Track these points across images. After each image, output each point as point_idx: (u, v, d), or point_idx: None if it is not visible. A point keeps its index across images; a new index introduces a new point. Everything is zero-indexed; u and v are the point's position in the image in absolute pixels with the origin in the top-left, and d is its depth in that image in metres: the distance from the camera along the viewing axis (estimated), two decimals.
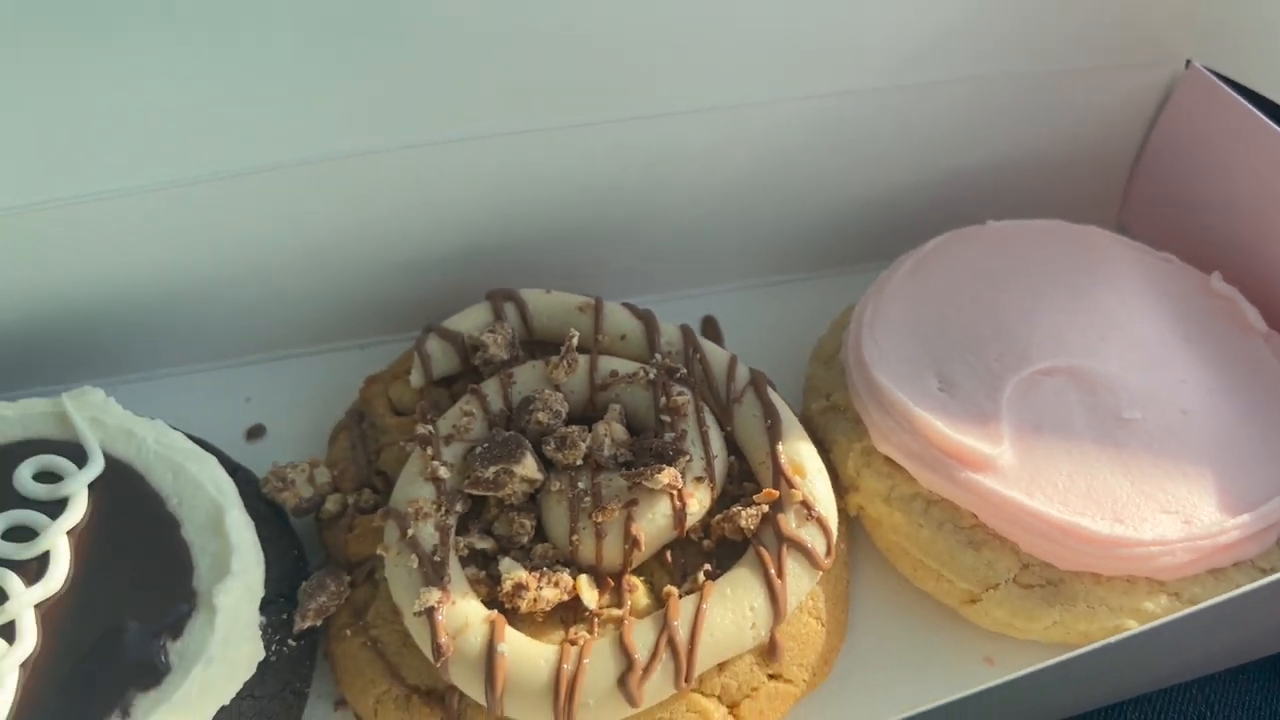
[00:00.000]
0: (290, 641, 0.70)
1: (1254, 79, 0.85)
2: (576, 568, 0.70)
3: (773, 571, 0.67)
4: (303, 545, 0.76)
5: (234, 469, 0.75)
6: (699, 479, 0.71)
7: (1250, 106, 0.83)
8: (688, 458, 0.71)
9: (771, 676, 0.69)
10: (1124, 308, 0.79)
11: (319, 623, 0.71)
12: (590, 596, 0.68)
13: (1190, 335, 0.79)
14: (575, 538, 0.69)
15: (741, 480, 0.74)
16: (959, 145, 0.90)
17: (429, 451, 0.71)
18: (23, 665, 0.62)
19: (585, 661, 0.64)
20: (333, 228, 0.82)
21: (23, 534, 0.67)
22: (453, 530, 0.69)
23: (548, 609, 0.68)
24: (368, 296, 0.86)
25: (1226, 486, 0.71)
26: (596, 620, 0.67)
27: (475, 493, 0.71)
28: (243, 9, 0.70)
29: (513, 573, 0.68)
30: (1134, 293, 0.81)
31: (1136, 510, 0.68)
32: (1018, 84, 0.88)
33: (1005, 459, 0.71)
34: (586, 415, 0.76)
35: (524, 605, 0.67)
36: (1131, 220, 0.97)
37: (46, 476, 0.69)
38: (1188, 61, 0.88)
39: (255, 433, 0.84)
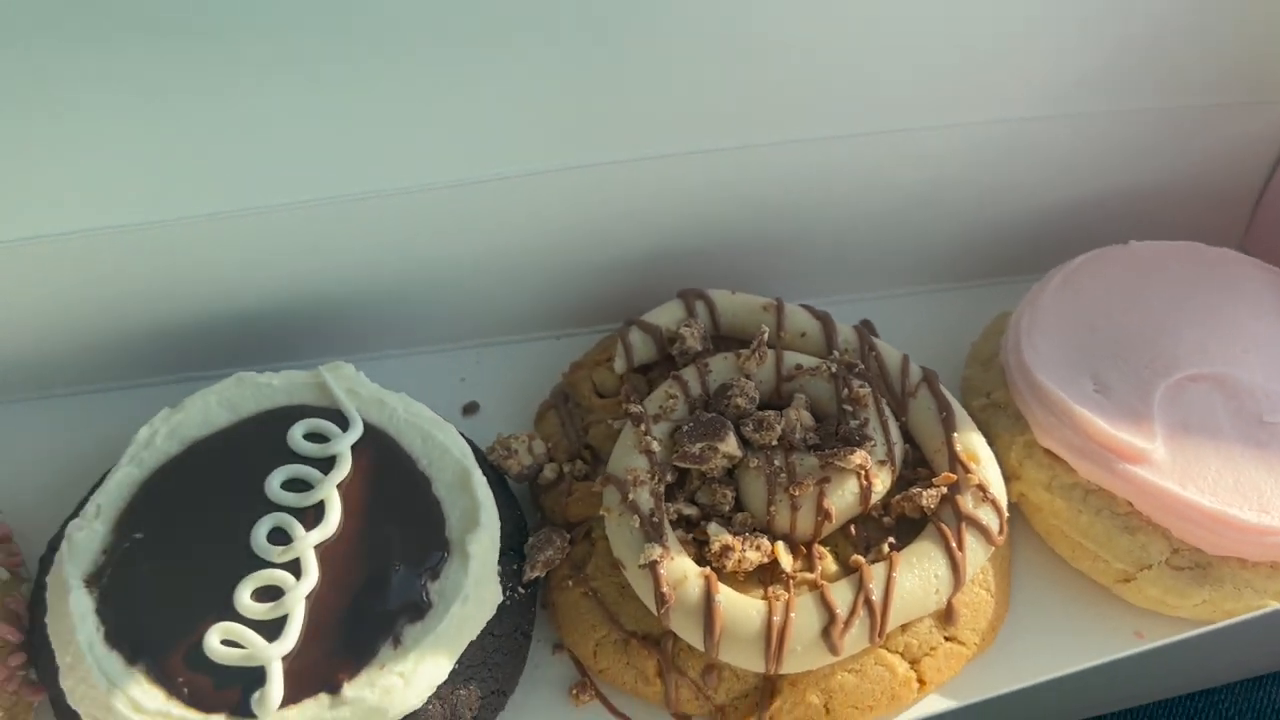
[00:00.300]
0: (519, 589, 0.79)
1: None
2: (772, 536, 0.79)
3: (954, 545, 0.76)
4: (521, 507, 0.86)
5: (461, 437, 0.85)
6: (881, 462, 0.79)
7: None
8: (872, 442, 0.80)
9: (948, 638, 0.77)
10: (1261, 323, 0.87)
11: (543, 574, 0.81)
12: (787, 560, 0.77)
13: None
14: (772, 508, 0.78)
15: (914, 467, 0.83)
16: (1100, 171, 0.98)
17: (642, 428, 0.81)
18: (308, 596, 0.73)
19: (792, 615, 0.73)
20: (541, 232, 0.91)
21: (299, 485, 0.77)
22: (663, 497, 0.79)
23: (749, 569, 0.77)
24: (567, 293, 0.96)
25: None
26: (791, 582, 0.76)
27: (682, 465, 0.80)
28: (481, 29, 0.79)
29: (720, 536, 0.77)
30: (1269, 309, 0.89)
31: None
32: (1156, 117, 0.96)
33: (1158, 454, 0.79)
34: (771, 404, 0.85)
35: (729, 565, 0.76)
36: (1254, 246, 1.04)
37: (315, 437, 0.79)
38: None
39: (470, 409, 0.94)
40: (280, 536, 0.74)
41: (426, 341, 0.96)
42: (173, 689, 0.69)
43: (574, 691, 0.80)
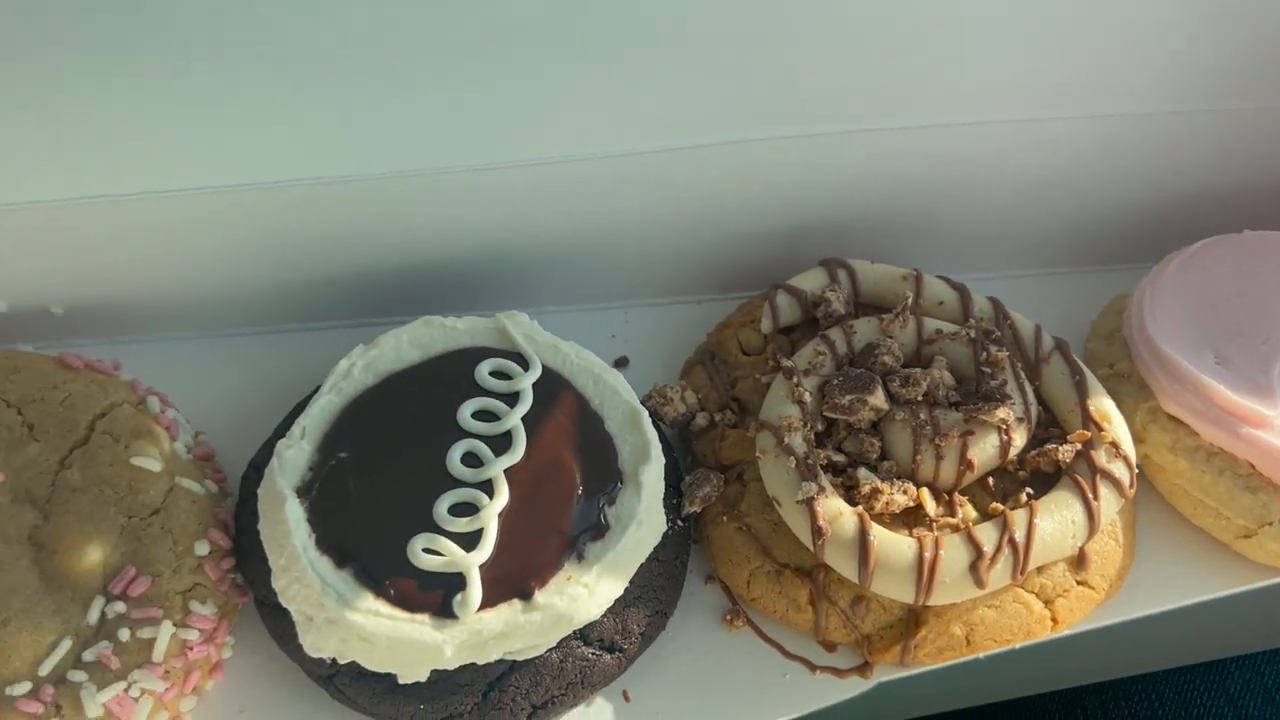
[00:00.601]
0: (679, 522, 0.86)
1: None
2: (916, 483, 0.85)
3: (1090, 495, 0.82)
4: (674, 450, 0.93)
5: None
6: (1019, 419, 0.86)
7: None
8: (1011, 401, 0.86)
9: (1079, 583, 0.84)
10: None
11: (700, 510, 0.87)
12: (931, 505, 0.83)
13: None
14: (918, 458, 0.85)
15: (1047, 427, 0.89)
16: (1219, 166, 1.04)
17: (794, 380, 0.88)
18: (500, 514, 0.80)
19: (942, 551, 0.79)
20: (692, 202, 0.98)
21: (487, 416, 0.84)
22: (813, 443, 0.85)
23: (896, 512, 0.83)
24: (711, 260, 1.03)
25: None
26: (935, 525, 0.83)
27: (832, 415, 0.87)
28: (645, 10, 0.86)
29: (870, 479, 0.84)
30: None
31: None
32: (1272, 117, 1.02)
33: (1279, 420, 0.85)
34: (911, 365, 0.91)
35: (878, 507, 0.83)
36: None
37: (499, 375, 0.86)
38: None
39: (620, 363, 1.01)
40: (473, 460, 0.82)
41: (582, 300, 1.03)
42: (380, 590, 0.77)
43: (727, 618, 0.87)
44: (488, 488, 0.80)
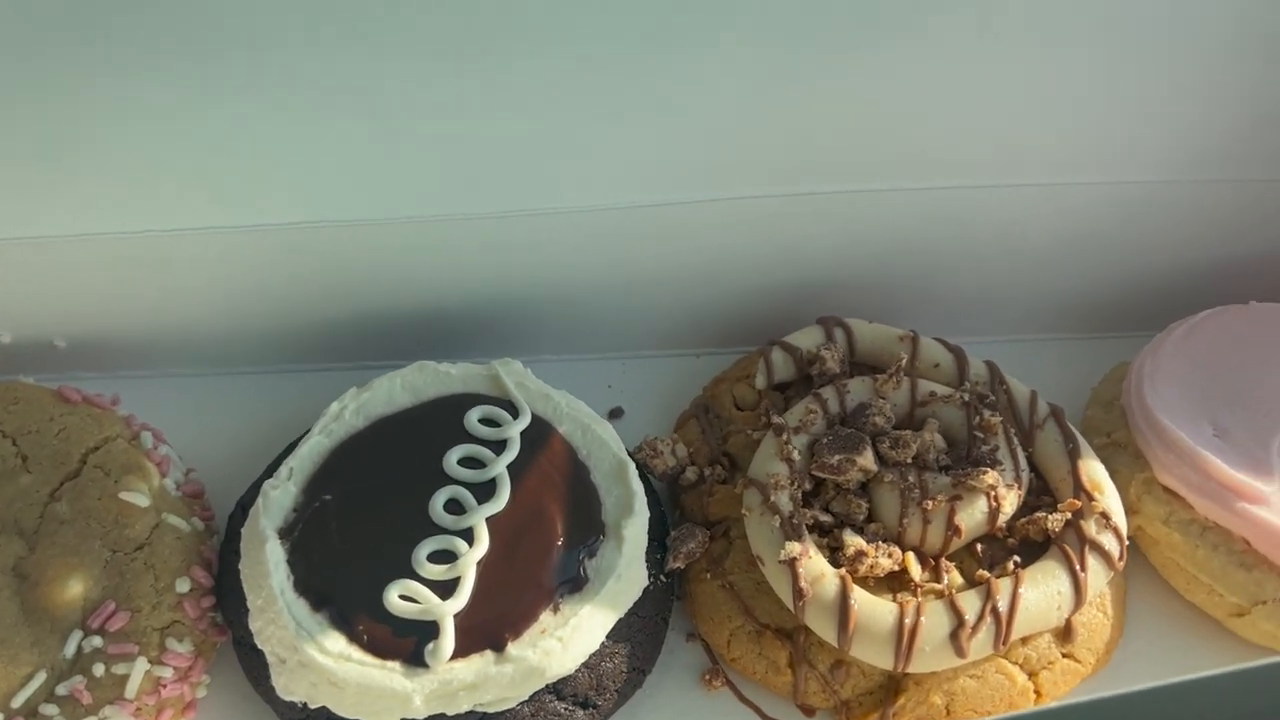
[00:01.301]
0: (662, 578, 0.86)
1: None
2: (901, 548, 0.84)
3: (1077, 565, 0.81)
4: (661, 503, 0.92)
5: None
6: (1010, 485, 0.85)
7: None
8: (1001, 467, 0.85)
9: (1065, 655, 0.82)
10: None
11: (683, 566, 0.87)
12: (916, 570, 0.82)
13: None
14: (905, 521, 0.84)
15: (1039, 495, 0.88)
16: (1228, 236, 1.03)
17: (784, 437, 0.87)
18: (479, 562, 0.79)
19: (923, 617, 0.78)
20: (693, 256, 0.98)
21: (473, 464, 0.84)
22: (800, 502, 0.85)
23: (880, 575, 0.82)
24: (710, 314, 1.03)
25: None
26: (919, 590, 0.82)
27: (820, 475, 0.86)
28: (658, 63, 0.86)
29: (855, 541, 0.83)
30: None
31: None
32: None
33: (1277, 496, 0.83)
34: (904, 427, 0.91)
35: (862, 569, 0.82)
36: None
37: (488, 422, 0.86)
38: None
39: (615, 414, 1.01)
40: (456, 507, 0.82)
41: (580, 349, 1.04)
42: (353, 635, 0.77)
43: (706, 677, 0.86)
44: (468, 535, 0.80)
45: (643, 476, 0.92)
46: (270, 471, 0.88)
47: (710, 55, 0.85)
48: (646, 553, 0.85)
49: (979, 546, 0.85)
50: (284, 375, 1.00)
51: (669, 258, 0.98)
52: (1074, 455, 0.87)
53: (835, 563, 0.83)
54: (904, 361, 0.91)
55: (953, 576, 0.83)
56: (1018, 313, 1.07)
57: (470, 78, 0.83)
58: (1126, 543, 0.83)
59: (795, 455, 0.86)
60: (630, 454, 0.92)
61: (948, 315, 1.06)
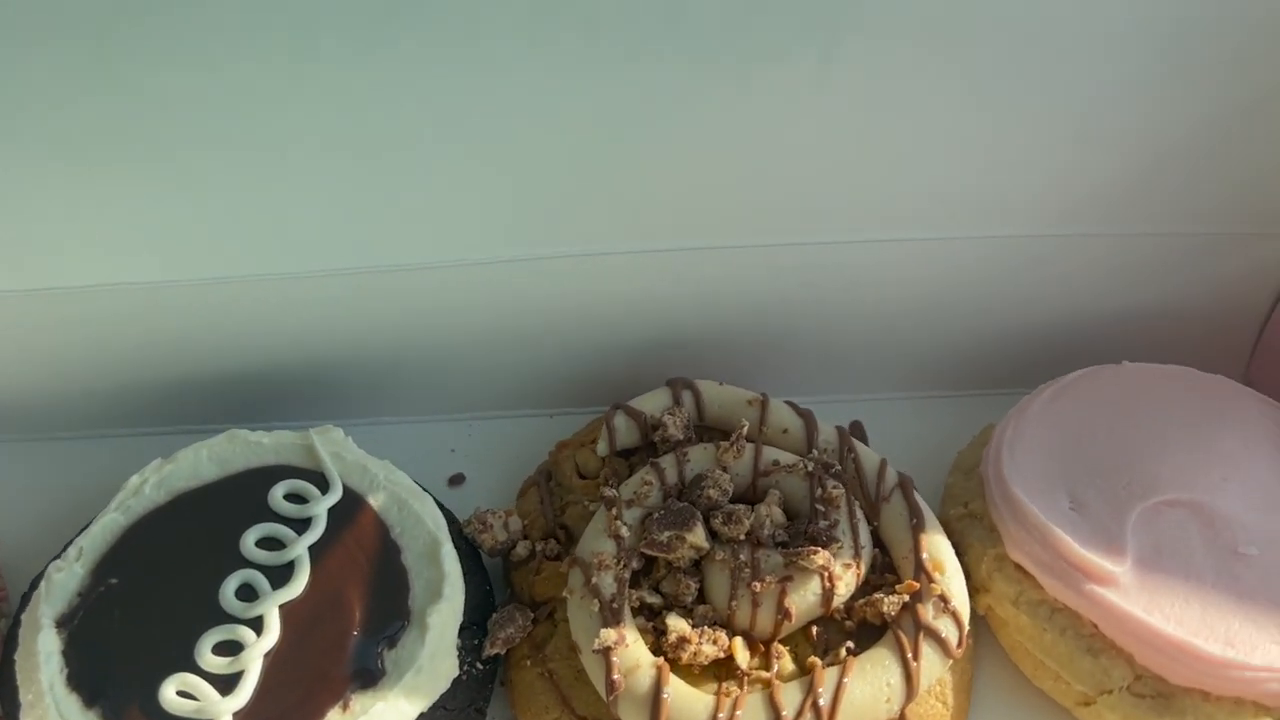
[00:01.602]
0: (478, 665, 0.80)
1: None
2: (731, 631, 0.79)
3: (909, 655, 0.75)
4: (491, 582, 0.87)
5: (439, 509, 0.87)
6: (847, 565, 0.80)
7: None
8: (839, 544, 0.80)
9: None
10: (1246, 453, 0.86)
11: (503, 651, 0.81)
12: (743, 657, 0.77)
13: None
14: (734, 603, 0.79)
15: (883, 572, 0.83)
16: (1101, 291, 0.98)
17: (613, 512, 0.82)
18: (266, 655, 0.74)
19: (738, 713, 0.73)
20: (540, 314, 0.94)
21: (273, 544, 0.79)
22: (627, 583, 0.80)
23: (705, 663, 0.77)
24: (562, 373, 0.98)
25: None
26: (746, 679, 0.76)
27: (649, 553, 0.81)
28: (489, 116, 0.82)
29: (678, 626, 0.78)
30: (1257, 440, 0.88)
31: (1249, 638, 0.75)
32: (1161, 242, 0.96)
33: (1127, 577, 0.78)
34: (746, 498, 0.86)
35: (685, 657, 0.76)
36: (1258, 375, 1.03)
37: (295, 498, 0.81)
38: None
39: (456, 480, 0.96)
40: (248, 593, 0.77)
41: (421, 411, 0.99)
42: None
43: None
44: (258, 624, 0.75)
45: (476, 552, 0.87)
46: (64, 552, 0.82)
47: (551, 107, 0.81)
48: (466, 637, 0.80)
49: (814, 629, 0.80)
50: (96, 441, 0.95)
51: (512, 315, 0.94)
52: (917, 531, 0.81)
53: (660, 649, 0.77)
54: (746, 429, 0.86)
55: (783, 663, 0.78)
56: (886, 371, 1.02)
57: (289, 134, 0.79)
58: (967, 628, 0.78)
59: (624, 532, 0.81)
60: (461, 526, 0.87)
61: (811, 373, 1.01)
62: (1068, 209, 0.93)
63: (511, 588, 0.87)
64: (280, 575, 0.77)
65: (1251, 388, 0.96)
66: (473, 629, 0.81)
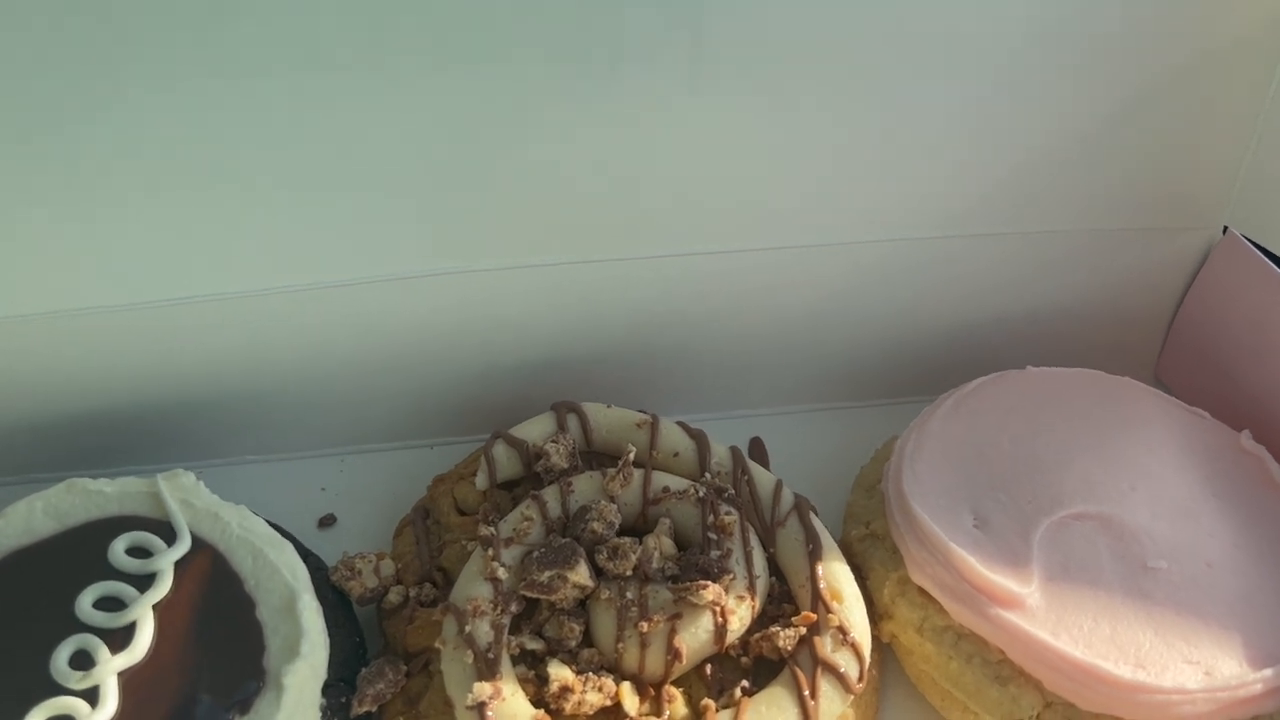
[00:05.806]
0: None
1: None
2: (620, 674, 0.74)
3: (806, 693, 0.71)
4: (363, 632, 0.81)
5: (305, 555, 0.80)
6: (741, 597, 0.75)
7: None
8: (731, 576, 0.75)
9: None
10: (1154, 458, 0.83)
11: (374, 708, 0.75)
12: (631, 703, 0.72)
13: (1219, 490, 0.82)
14: (620, 645, 0.73)
15: (781, 602, 0.78)
16: (1003, 293, 0.95)
17: (490, 553, 0.76)
18: None
19: None
20: (412, 337, 0.88)
21: (112, 604, 0.72)
22: (506, 629, 0.74)
23: (590, 713, 0.72)
24: (440, 400, 0.92)
25: (1250, 640, 0.73)
26: None
27: (530, 595, 0.75)
28: (346, 133, 0.77)
29: (560, 675, 0.72)
30: (1165, 445, 0.84)
31: (1159, 658, 0.71)
32: (1062, 240, 0.93)
33: (1034, 599, 0.74)
34: (637, 527, 0.80)
35: (568, 708, 0.71)
36: (1167, 375, 1.01)
37: (138, 552, 0.74)
38: (1225, 228, 0.93)
39: (326, 521, 0.89)
40: (83, 660, 0.69)
41: (290, 448, 0.92)
42: None
43: None
44: (93, 695, 0.68)
45: (347, 601, 0.81)
46: None
47: (402, 116, 0.76)
48: (333, 695, 0.73)
49: (709, 668, 0.74)
50: None
51: (378, 339, 0.87)
52: (814, 557, 0.77)
53: (542, 700, 0.72)
54: (633, 454, 0.81)
55: (675, 707, 0.72)
56: (785, 383, 0.98)
57: (128, 160, 0.73)
58: (868, 661, 0.73)
59: (501, 573, 0.75)
60: (328, 573, 0.81)
61: (706, 389, 0.96)
62: (960, 210, 0.90)
63: (385, 638, 0.81)
64: (120, 638, 0.70)
65: (1161, 386, 0.93)
66: (340, 685, 0.75)
